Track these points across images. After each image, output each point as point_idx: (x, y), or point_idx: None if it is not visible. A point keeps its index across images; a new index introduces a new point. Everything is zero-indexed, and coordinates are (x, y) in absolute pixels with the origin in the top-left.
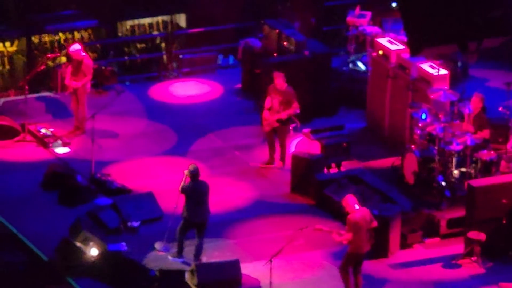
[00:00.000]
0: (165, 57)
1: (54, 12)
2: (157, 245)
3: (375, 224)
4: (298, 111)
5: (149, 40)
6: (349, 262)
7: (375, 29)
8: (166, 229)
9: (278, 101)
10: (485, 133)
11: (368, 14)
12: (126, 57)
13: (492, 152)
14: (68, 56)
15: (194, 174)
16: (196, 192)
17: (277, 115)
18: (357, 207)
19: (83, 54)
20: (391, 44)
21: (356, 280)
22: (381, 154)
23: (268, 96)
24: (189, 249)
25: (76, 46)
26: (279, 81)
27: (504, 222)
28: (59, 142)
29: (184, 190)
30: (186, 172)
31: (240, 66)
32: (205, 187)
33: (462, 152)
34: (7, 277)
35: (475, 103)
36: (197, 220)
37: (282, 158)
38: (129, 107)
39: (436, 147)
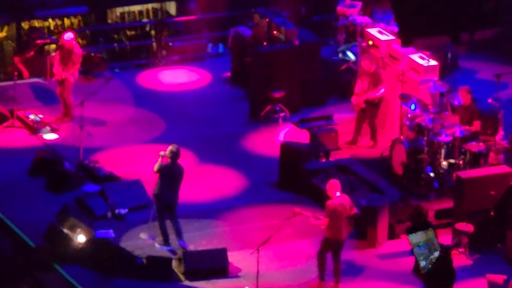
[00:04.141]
0: (154, 44)
1: None
2: (142, 234)
3: (355, 211)
4: (377, 94)
5: (138, 28)
6: (325, 247)
7: (365, 19)
8: (149, 217)
9: (367, 82)
10: (476, 125)
11: (359, 4)
12: (115, 44)
13: (481, 143)
14: (57, 43)
15: (176, 154)
16: (173, 172)
17: (364, 95)
18: (338, 194)
19: (75, 43)
20: (381, 34)
21: (336, 266)
22: (370, 144)
23: (358, 79)
24: (174, 237)
25: (70, 35)
26: (365, 63)
27: (492, 214)
28: (48, 128)
29: (161, 169)
30: (162, 153)
31: (230, 55)
32: (182, 170)
33: (451, 144)
34: None
35: (463, 96)
36: (167, 201)
37: (373, 137)
38: (118, 94)
39: (425, 138)
